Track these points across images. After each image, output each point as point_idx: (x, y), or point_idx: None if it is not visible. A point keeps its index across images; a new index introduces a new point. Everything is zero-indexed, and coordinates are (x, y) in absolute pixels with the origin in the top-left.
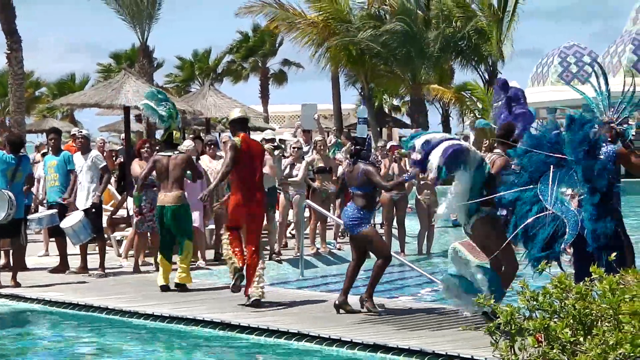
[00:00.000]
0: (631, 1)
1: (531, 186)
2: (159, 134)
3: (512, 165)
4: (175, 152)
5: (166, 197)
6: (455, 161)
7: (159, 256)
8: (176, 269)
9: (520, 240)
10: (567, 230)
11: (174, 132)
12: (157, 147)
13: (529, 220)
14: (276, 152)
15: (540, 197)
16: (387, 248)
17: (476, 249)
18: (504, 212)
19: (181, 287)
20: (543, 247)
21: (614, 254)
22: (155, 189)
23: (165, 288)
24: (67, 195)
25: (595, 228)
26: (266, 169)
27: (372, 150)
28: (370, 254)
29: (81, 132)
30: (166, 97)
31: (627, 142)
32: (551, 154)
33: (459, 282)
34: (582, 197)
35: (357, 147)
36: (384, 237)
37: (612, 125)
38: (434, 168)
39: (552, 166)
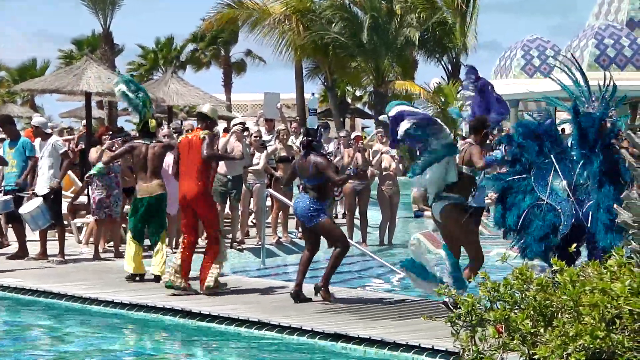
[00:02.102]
0: None
1: (524, 176)
2: (120, 121)
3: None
4: (154, 141)
5: (149, 187)
6: (425, 126)
7: (132, 242)
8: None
9: (512, 230)
10: (561, 221)
11: (150, 120)
12: (123, 135)
13: (524, 211)
14: (245, 134)
15: (534, 187)
16: (344, 237)
17: (437, 240)
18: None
19: (158, 278)
20: (541, 238)
21: (574, 245)
22: (112, 175)
23: (133, 277)
24: (21, 180)
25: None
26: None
27: (335, 140)
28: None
29: (33, 119)
30: (137, 86)
31: (620, 134)
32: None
33: (413, 269)
34: (586, 186)
35: (309, 138)
36: (346, 227)
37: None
38: (403, 131)
39: (552, 156)
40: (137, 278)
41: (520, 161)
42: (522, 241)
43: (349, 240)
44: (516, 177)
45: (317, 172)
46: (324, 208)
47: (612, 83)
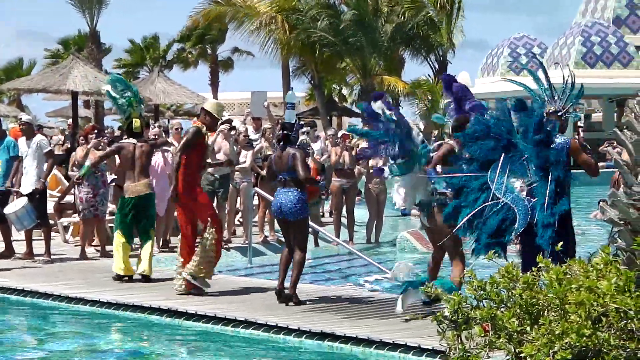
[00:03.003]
0: None
1: (480, 174)
2: (107, 121)
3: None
4: (141, 140)
5: (136, 187)
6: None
7: (121, 243)
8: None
9: (465, 229)
10: (517, 219)
11: (135, 120)
12: (110, 134)
13: (478, 208)
14: (232, 133)
15: (490, 185)
16: (306, 243)
17: (424, 238)
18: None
19: (146, 278)
20: (491, 235)
21: (560, 243)
22: (98, 174)
23: (121, 277)
24: (9, 183)
25: (547, 217)
26: (220, 155)
27: (322, 139)
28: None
29: (21, 117)
30: (126, 85)
31: (577, 128)
32: (499, 138)
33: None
34: (533, 185)
35: (285, 132)
36: (333, 226)
37: (559, 114)
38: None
39: (502, 154)
40: (126, 278)
41: (477, 159)
42: (474, 239)
43: (335, 239)
44: (471, 175)
45: (295, 165)
46: (306, 201)
47: (570, 80)
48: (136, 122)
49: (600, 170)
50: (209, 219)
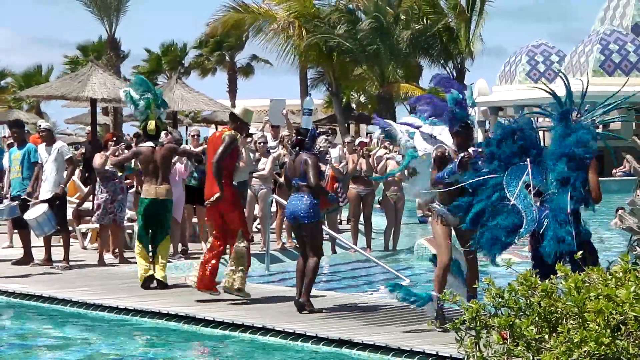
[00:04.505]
0: (588, 3)
1: (496, 175)
2: (125, 127)
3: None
4: (159, 144)
5: (159, 190)
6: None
7: (140, 249)
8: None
9: (469, 223)
10: (523, 223)
11: (150, 122)
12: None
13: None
14: (248, 140)
15: (504, 187)
16: (321, 248)
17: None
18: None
19: (161, 285)
20: (496, 237)
21: (580, 252)
22: (117, 180)
23: (148, 282)
24: (30, 189)
25: (561, 233)
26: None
27: (339, 146)
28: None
29: (40, 124)
30: (148, 87)
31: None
32: (523, 143)
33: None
34: (549, 195)
35: (299, 137)
36: (350, 233)
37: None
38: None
39: (528, 160)
40: (151, 284)
41: (497, 159)
42: (481, 237)
43: (353, 246)
44: (489, 174)
45: (306, 170)
46: (319, 205)
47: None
48: (150, 125)
49: (617, 179)
50: (240, 229)
